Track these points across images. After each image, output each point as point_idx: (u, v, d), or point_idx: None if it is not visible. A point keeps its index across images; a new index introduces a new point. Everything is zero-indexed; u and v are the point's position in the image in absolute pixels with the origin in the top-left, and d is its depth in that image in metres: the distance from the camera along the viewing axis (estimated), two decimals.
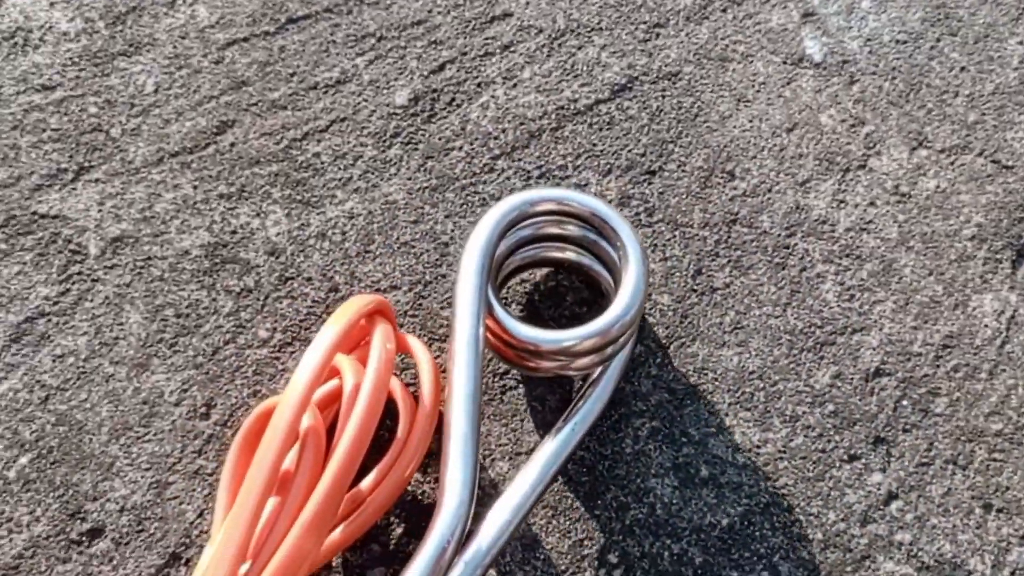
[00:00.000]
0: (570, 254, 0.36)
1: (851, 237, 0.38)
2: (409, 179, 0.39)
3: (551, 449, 0.33)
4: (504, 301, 0.38)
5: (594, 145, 0.39)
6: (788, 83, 0.40)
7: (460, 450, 0.30)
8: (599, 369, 0.35)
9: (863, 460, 0.36)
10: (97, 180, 0.39)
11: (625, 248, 0.33)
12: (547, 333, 0.32)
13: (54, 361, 0.38)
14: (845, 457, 0.36)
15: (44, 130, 0.40)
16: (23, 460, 0.37)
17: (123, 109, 0.40)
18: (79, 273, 0.39)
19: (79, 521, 0.36)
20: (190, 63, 0.41)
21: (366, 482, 0.33)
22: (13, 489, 0.36)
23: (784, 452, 0.36)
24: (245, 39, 0.41)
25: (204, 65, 0.41)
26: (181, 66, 0.41)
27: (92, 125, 0.40)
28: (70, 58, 0.41)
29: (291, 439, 0.30)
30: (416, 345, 0.35)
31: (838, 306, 0.37)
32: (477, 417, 0.31)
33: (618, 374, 0.35)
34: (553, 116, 0.40)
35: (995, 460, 0.36)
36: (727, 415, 0.36)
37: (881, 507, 0.35)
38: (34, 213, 0.39)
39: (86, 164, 0.40)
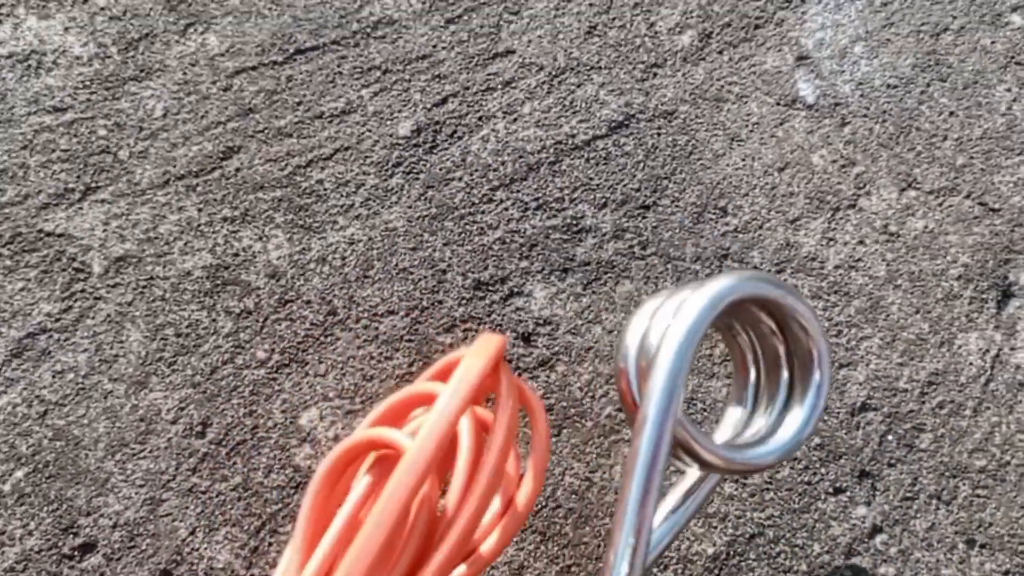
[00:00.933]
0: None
1: (840, 274, 0.39)
2: (409, 207, 0.40)
3: None
4: None
5: (590, 179, 0.40)
6: (781, 123, 0.41)
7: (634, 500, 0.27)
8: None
9: (848, 493, 0.36)
10: (103, 201, 0.40)
11: (812, 378, 0.30)
12: (752, 455, 0.29)
13: (54, 377, 0.38)
14: (830, 490, 0.36)
15: (53, 150, 0.41)
16: (19, 474, 0.37)
17: (132, 132, 0.41)
18: (82, 291, 0.39)
19: (72, 536, 0.36)
20: (199, 89, 0.42)
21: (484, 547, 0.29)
22: (8, 503, 0.37)
23: (770, 483, 0.36)
24: (254, 68, 0.42)
25: (212, 92, 0.42)
26: (190, 92, 0.42)
27: (100, 147, 0.41)
28: (82, 81, 0.42)
29: (409, 505, 0.26)
30: (534, 401, 0.31)
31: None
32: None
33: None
34: (551, 150, 0.41)
35: (979, 496, 0.36)
36: None
37: (865, 540, 0.36)
38: (40, 231, 0.40)
39: (93, 185, 0.41)
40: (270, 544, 0.37)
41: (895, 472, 0.36)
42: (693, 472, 0.32)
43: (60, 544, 0.36)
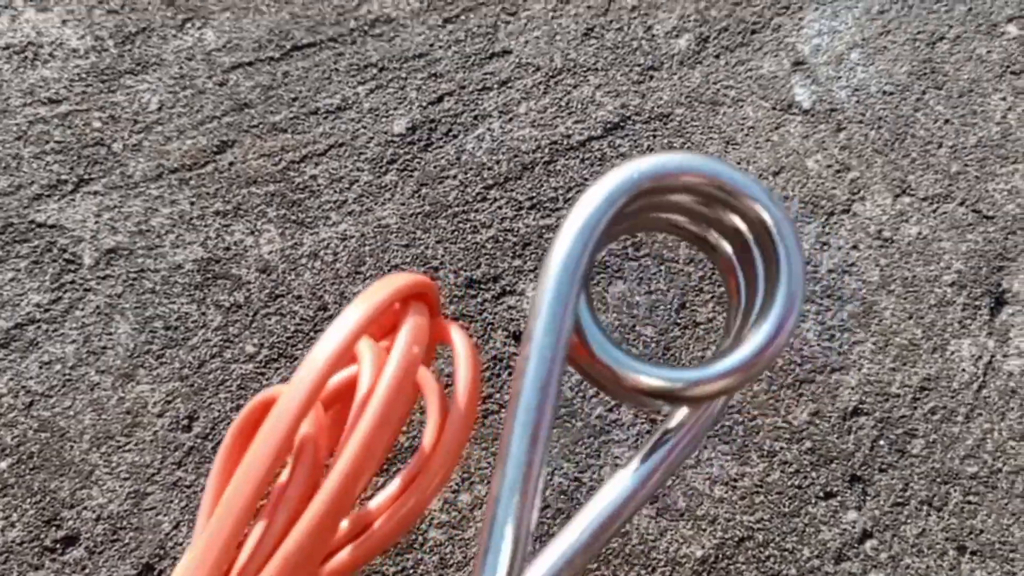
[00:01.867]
0: (692, 227, 0.30)
1: (833, 278, 0.39)
2: (403, 204, 0.40)
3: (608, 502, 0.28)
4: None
5: (585, 179, 0.40)
6: (776, 128, 0.41)
7: (512, 495, 0.25)
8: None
9: (839, 498, 0.36)
10: (96, 192, 0.40)
11: (779, 266, 0.26)
12: (679, 376, 0.26)
13: (41, 368, 0.38)
14: (821, 494, 0.36)
15: (47, 142, 0.41)
16: (3, 464, 0.37)
17: (126, 125, 0.41)
18: (72, 282, 0.39)
19: (54, 528, 0.36)
20: (195, 84, 0.42)
21: (380, 499, 0.28)
22: None
23: (761, 487, 0.36)
24: (250, 63, 0.42)
25: (208, 86, 0.42)
26: (186, 86, 0.42)
27: (95, 139, 0.41)
28: (78, 74, 0.42)
29: (287, 447, 0.25)
30: (457, 336, 0.30)
31: (818, 345, 0.38)
32: (543, 450, 0.25)
33: (711, 421, 0.29)
34: (546, 150, 0.41)
35: (970, 503, 0.36)
36: (706, 448, 0.36)
37: (856, 545, 0.35)
38: (31, 222, 0.40)
39: (86, 176, 0.40)
40: None
41: (886, 477, 0.36)
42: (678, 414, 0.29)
43: (42, 536, 0.36)
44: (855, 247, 0.39)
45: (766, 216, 0.27)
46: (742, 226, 0.28)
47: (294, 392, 0.25)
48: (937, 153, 0.40)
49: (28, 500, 0.36)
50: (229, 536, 0.25)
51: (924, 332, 0.38)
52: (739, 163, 0.40)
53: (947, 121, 0.41)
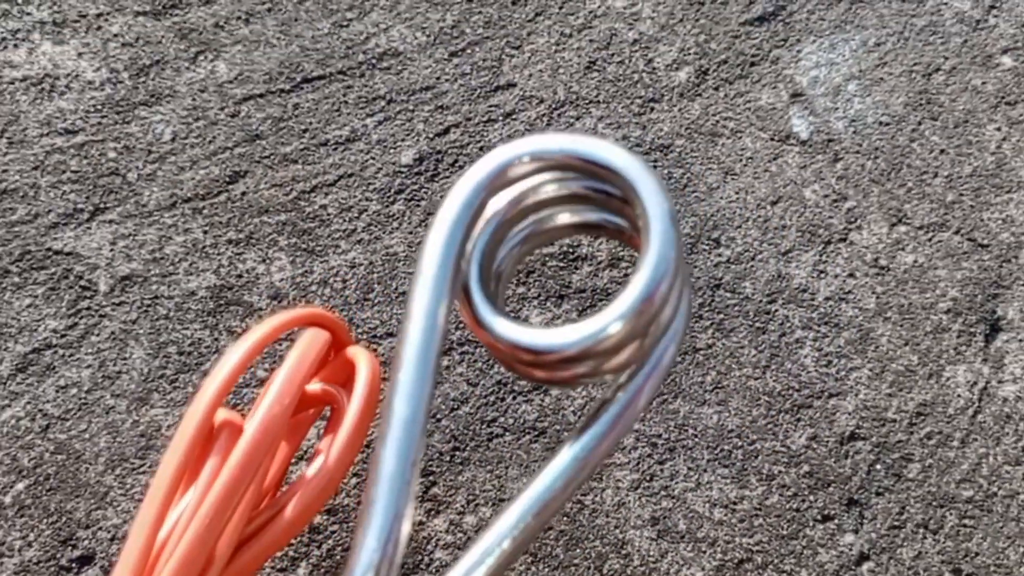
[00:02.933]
0: (566, 216, 0.31)
1: (830, 306, 0.40)
2: (410, 233, 0.41)
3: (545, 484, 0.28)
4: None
5: None
6: (775, 158, 0.42)
7: (383, 496, 0.26)
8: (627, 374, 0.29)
9: (836, 521, 0.37)
10: (111, 221, 0.41)
11: (639, 197, 0.26)
12: (556, 335, 0.26)
13: (57, 392, 0.39)
14: (819, 517, 0.37)
15: (64, 171, 0.42)
16: (20, 486, 0.38)
17: (140, 155, 0.42)
18: (88, 308, 0.40)
19: (70, 548, 0.37)
20: (207, 115, 0.43)
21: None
22: (8, 514, 0.37)
23: (760, 510, 0.37)
24: (261, 95, 0.43)
25: (220, 118, 0.43)
26: (199, 118, 0.43)
27: (110, 169, 0.42)
28: (93, 105, 0.43)
29: (202, 433, 0.30)
30: (362, 360, 0.34)
31: (816, 371, 0.39)
32: (412, 451, 0.26)
33: (656, 378, 0.29)
34: None
35: (965, 526, 0.37)
36: (706, 471, 0.37)
37: (853, 568, 0.36)
38: (48, 249, 0.41)
39: (102, 205, 0.42)
40: None
41: (883, 501, 0.37)
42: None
43: (59, 556, 0.37)
44: (852, 275, 0.40)
45: (614, 164, 0.27)
46: (597, 185, 0.29)
47: (210, 384, 0.30)
48: (933, 183, 0.41)
49: (45, 520, 0.37)
50: (151, 521, 0.29)
51: (920, 358, 0.39)
52: (737, 192, 0.41)
53: (943, 151, 0.42)
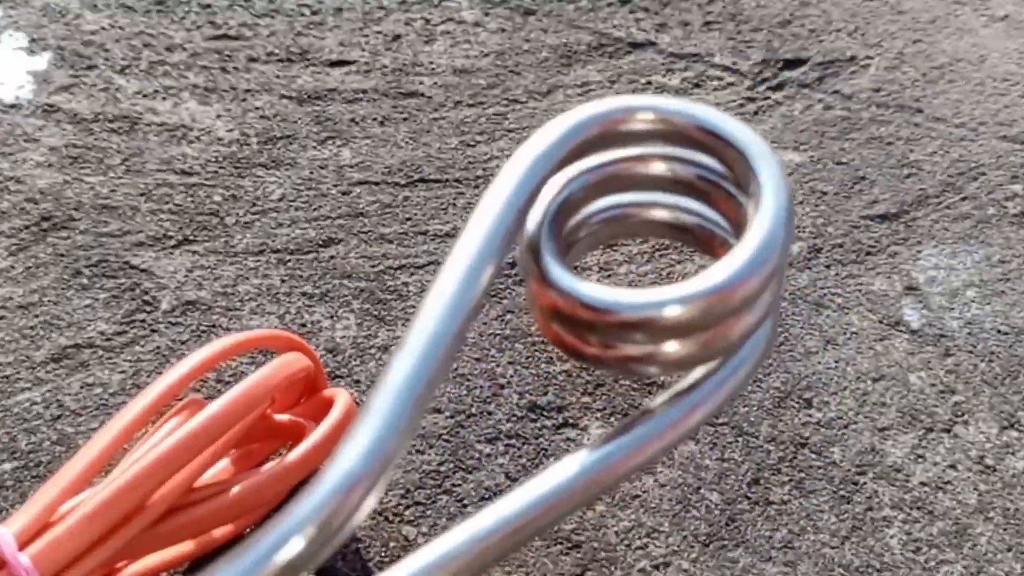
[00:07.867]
0: (661, 213, 0.29)
1: (926, 492, 0.35)
2: (485, 324, 0.39)
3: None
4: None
5: None
6: (881, 339, 0.39)
7: (382, 406, 0.22)
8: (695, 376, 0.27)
9: None
10: (195, 252, 0.41)
11: (756, 173, 0.25)
12: (621, 294, 0.23)
13: (82, 387, 0.37)
14: None
15: (167, 203, 0.42)
16: (7, 466, 0.35)
17: (244, 205, 0.43)
18: (142, 321, 0.39)
19: None
20: (320, 188, 0.43)
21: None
22: None
23: None
24: (376, 183, 0.44)
25: (332, 192, 0.43)
26: (311, 187, 0.43)
27: (211, 210, 0.42)
28: (215, 157, 0.44)
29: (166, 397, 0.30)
30: (340, 400, 0.33)
31: (902, 554, 0.34)
32: (430, 369, 0.22)
33: (730, 388, 0.26)
34: None
35: None
36: None
37: None
38: (125, 263, 0.40)
39: (191, 237, 0.41)
40: None
41: None
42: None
43: None
44: (953, 467, 0.36)
45: (736, 137, 0.26)
46: (703, 171, 0.27)
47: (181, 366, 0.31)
48: None
49: (17, 505, 0.34)
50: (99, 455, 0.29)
51: (1023, 568, 0.33)
52: (837, 362, 0.38)
53: None
